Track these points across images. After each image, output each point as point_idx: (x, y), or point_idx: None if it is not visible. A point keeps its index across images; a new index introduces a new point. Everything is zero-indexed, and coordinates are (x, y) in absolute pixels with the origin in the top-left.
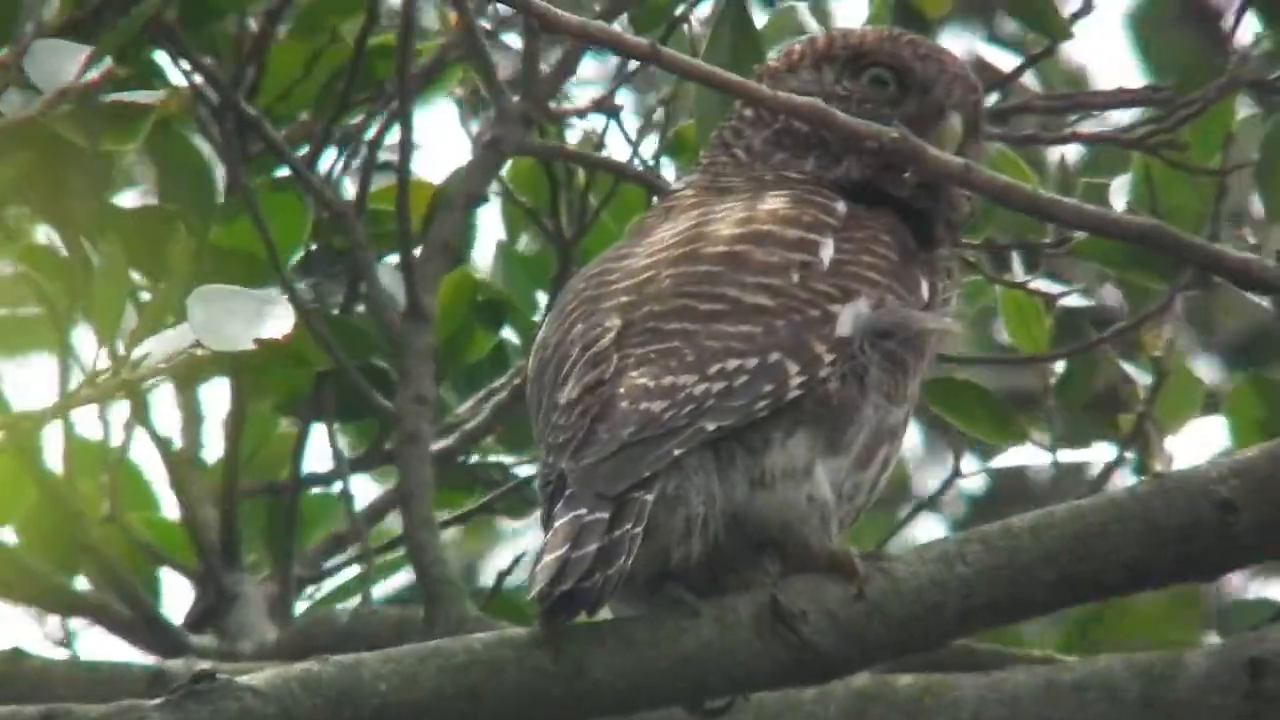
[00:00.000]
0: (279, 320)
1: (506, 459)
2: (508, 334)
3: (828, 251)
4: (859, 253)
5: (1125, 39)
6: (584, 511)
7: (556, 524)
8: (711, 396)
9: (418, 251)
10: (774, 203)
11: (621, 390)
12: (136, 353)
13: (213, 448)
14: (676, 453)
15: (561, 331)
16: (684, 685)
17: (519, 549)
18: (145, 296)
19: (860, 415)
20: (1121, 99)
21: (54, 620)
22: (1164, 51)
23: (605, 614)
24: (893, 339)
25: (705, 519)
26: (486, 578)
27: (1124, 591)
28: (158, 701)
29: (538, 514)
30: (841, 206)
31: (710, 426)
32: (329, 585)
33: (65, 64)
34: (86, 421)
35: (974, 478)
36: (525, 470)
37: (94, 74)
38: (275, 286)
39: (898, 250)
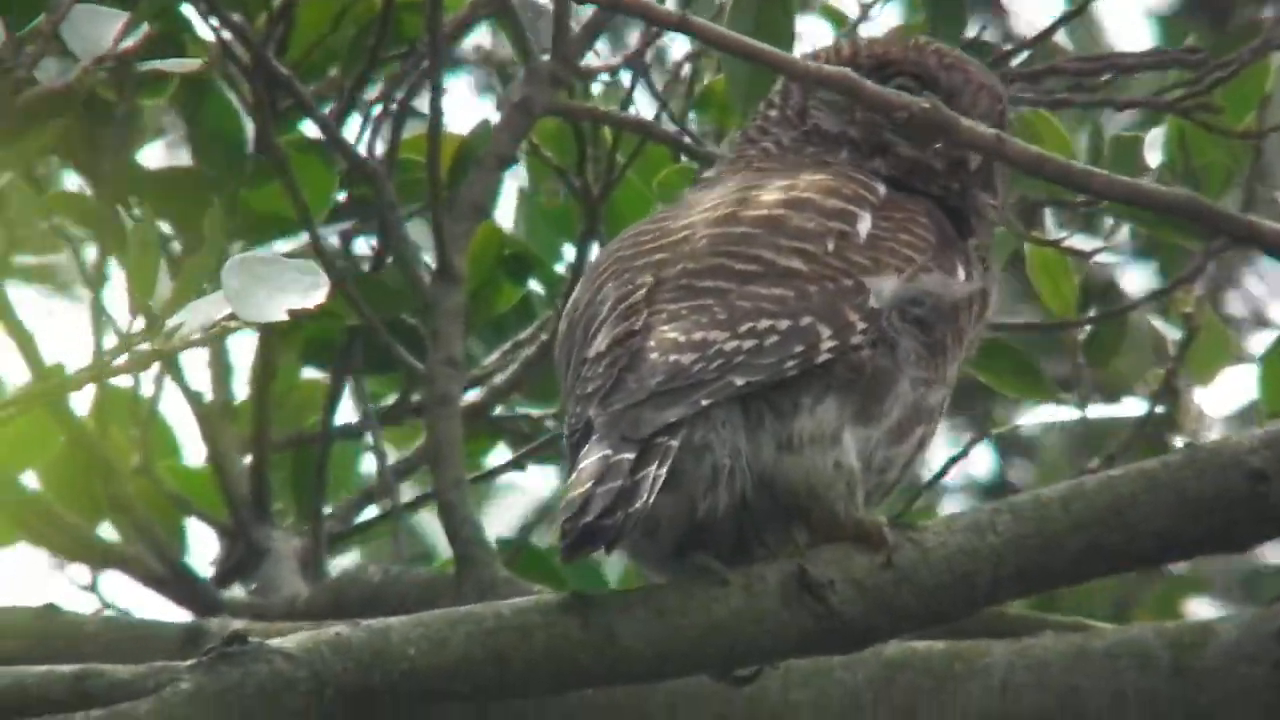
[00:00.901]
0: (313, 290)
1: (534, 411)
2: (533, 285)
3: (865, 225)
4: (896, 231)
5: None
6: (610, 452)
7: (582, 464)
8: (742, 353)
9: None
10: (815, 175)
11: (651, 343)
12: (171, 322)
13: (240, 395)
14: (705, 402)
15: (592, 291)
16: (713, 653)
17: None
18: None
19: (896, 388)
20: (1155, 60)
21: (77, 567)
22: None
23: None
24: (922, 306)
25: (732, 471)
26: None
27: (1155, 562)
28: (189, 664)
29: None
30: (882, 189)
31: (739, 381)
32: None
33: (103, 30)
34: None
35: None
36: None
37: (131, 41)
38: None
39: (935, 234)
